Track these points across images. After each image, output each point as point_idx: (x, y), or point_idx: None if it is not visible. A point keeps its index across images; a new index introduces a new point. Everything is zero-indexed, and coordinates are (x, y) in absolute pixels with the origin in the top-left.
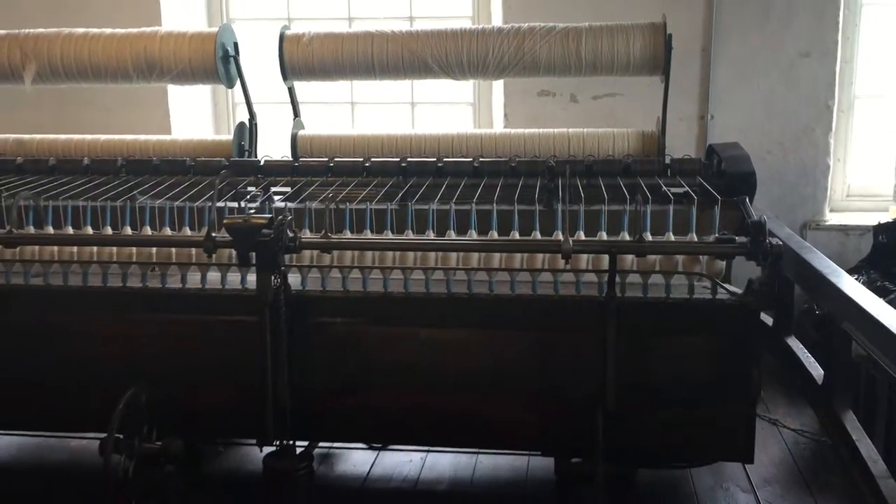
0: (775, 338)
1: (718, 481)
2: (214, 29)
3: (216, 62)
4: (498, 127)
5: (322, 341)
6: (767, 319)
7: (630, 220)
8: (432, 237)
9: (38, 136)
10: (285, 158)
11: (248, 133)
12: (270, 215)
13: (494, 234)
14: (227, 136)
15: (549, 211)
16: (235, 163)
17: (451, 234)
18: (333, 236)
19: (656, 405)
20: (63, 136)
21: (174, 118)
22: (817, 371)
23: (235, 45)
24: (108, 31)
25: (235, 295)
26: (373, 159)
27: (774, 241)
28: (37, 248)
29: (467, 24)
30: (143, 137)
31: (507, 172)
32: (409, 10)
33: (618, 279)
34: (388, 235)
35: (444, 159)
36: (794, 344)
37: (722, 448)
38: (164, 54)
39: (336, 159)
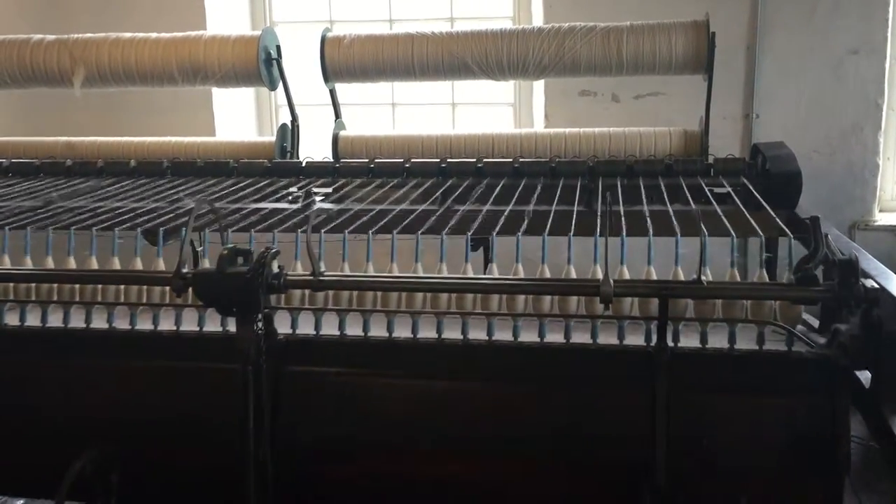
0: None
1: None
2: (257, 32)
3: (259, 65)
4: (538, 127)
5: (314, 396)
6: (813, 322)
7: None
8: (445, 274)
9: (87, 139)
10: (326, 159)
11: (290, 134)
12: (252, 249)
13: (520, 268)
14: (270, 137)
15: (589, 212)
16: (277, 164)
17: (468, 269)
18: (327, 273)
19: (717, 482)
20: (111, 139)
21: (218, 120)
22: (865, 375)
23: (278, 48)
24: (154, 35)
25: (216, 339)
26: (413, 160)
27: (869, 283)
28: None
29: (508, 25)
30: (187, 139)
31: (548, 173)
32: (450, 11)
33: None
34: (394, 270)
35: (484, 160)
36: None
37: None
38: (208, 58)
39: (377, 160)
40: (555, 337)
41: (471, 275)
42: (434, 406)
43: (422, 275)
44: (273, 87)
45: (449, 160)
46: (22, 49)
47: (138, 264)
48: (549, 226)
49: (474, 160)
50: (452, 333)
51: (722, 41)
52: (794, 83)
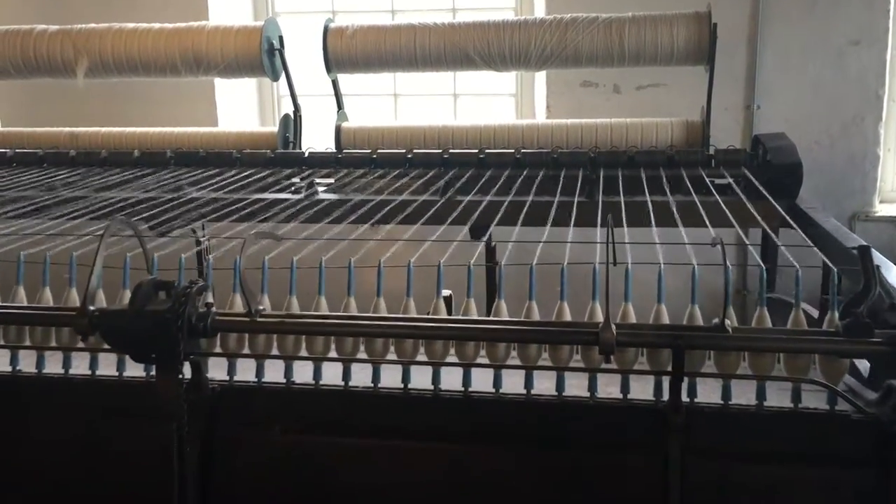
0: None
1: None
2: (260, 23)
3: (261, 56)
4: (540, 118)
5: (253, 459)
6: (813, 311)
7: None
8: (413, 315)
9: (90, 129)
10: (329, 150)
11: (292, 125)
12: (177, 285)
13: (503, 307)
14: (273, 128)
15: (590, 202)
16: (280, 154)
17: (440, 306)
18: (263, 314)
19: None
20: (115, 129)
21: (221, 111)
22: (864, 365)
23: (280, 38)
24: (157, 25)
25: (139, 386)
26: (415, 151)
27: None
28: None
29: (510, 16)
30: (190, 130)
31: (549, 164)
32: (452, 2)
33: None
34: (351, 307)
35: (486, 150)
36: None
37: None
38: (210, 48)
39: (379, 151)
40: (545, 385)
41: (443, 312)
42: (399, 470)
43: (383, 315)
44: (275, 78)
45: (451, 151)
46: (25, 39)
47: (47, 297)
48: (538, 254)
49: (476, 151)
50: (421, 381)
51: (723, 32)
52: (795, 74)
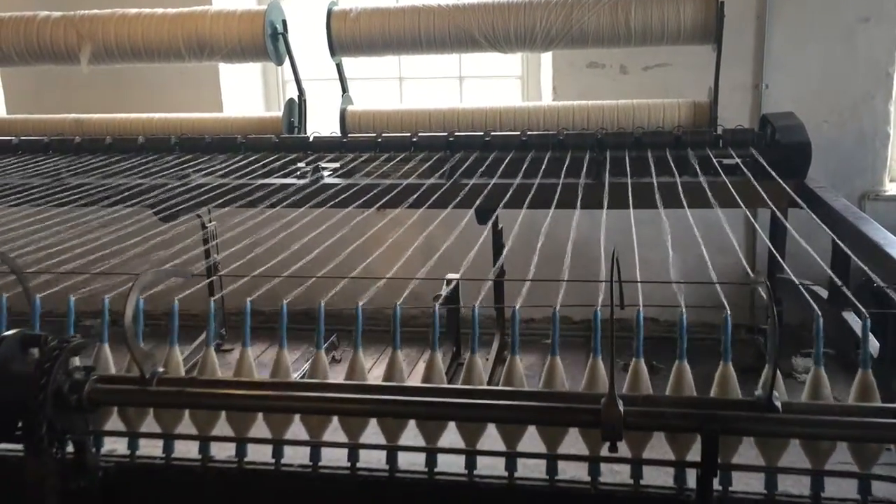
0: (831, 311)
1: None
2: (263, 7)
3: (265, 40)
4: (546, 100)
5: None
6: (822, 293)
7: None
8: (359, 383)
9: (95, 116)
10: (334, 134)
11: (297, 109)
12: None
13: (477, 363)
14: (277, 112)
15: (597, 183)
16: (285, 139)
17: (396, 362)
18: (164, 378)
19: None
20: (119, 116)
21: (225, 96)
22: (874, 344)
23: (284, 22)
24: (160, 11)
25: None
26: (420, 134)
27: None
28: None
29: None
30: (195, 115)
31: (556, 145)
32: None
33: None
34: (282, 366)
35: (492, 133)
36: (851, 318)
37: None
38: (214, 33)
39: (384, 134)
40: (532, 461)
41: (399, 371)
42: None
43: (316, 382)
44: (280, 62)
45: (456, 134)
46: (29, 26)
47: None
48: (527, 286)
49: (482, 133)
50: (374, 459)
51: (731, 10)
52: (804, 53)
